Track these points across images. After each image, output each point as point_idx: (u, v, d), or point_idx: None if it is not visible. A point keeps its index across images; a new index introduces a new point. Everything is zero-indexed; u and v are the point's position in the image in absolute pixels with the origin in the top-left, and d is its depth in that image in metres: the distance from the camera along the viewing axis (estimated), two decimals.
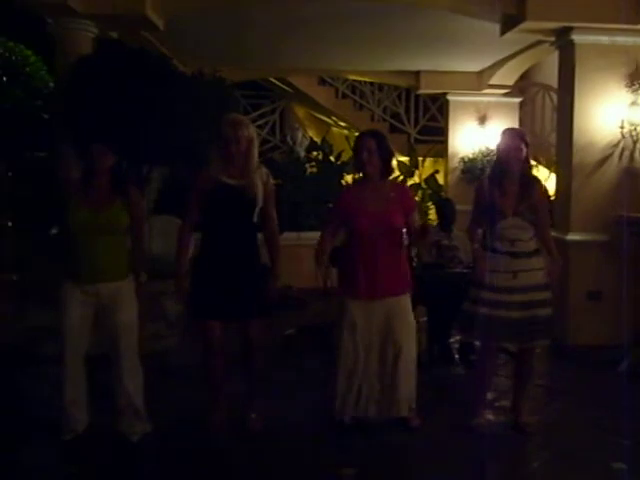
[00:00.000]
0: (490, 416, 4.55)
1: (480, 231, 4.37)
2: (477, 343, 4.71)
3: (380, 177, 4.23)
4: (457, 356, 5.96)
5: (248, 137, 4.05)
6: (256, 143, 4.12)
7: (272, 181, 4.21)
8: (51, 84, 6.68)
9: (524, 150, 4.18)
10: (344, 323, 4.22)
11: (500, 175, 4.25)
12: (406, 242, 4.42)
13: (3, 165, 6.84)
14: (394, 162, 4.48)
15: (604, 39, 6.03)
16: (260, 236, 4.23)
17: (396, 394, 4.23)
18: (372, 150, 4.15)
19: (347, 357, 4.22)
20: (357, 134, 4.60)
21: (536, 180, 4.34)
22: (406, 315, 4.26)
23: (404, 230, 4.26)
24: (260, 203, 4.07)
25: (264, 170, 4.16)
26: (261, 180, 4.09)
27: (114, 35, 6.56)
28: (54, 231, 5.86)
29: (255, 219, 4.08)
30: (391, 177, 4.45)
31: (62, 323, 3.97)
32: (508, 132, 4.30)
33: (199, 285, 4.12)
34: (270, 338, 4.36)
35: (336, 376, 4.27)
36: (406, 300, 4.28)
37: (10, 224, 6.44)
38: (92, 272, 3.93)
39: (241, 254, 4.10)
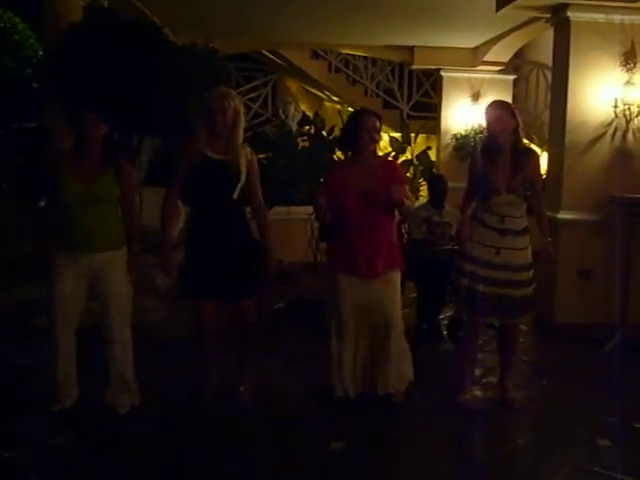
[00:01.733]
0: (477, 392, 4.58)
1: (473, 204, 4.34)
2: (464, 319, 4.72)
3: (373, 155, 4.25)
4: (446, 332, 5.99)
5: (235, 109, 3.98)
6: (243, 117, 4.05)
7: (255, 159, 4.15)
8: (40, 53, 6.58)
9: (509, 121, 4.10)
10: (335, 299, 4.23)
11: (490, 148, 4.22)
12: (397, 219, 4.42)
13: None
14: (386, 138, 4.48)
15: (600, 17, 5.96)
16: (249, 210, 4.20)
17: (387, 370, 4.26)
18: (378, 130, 4.16)
19: (339, 333, 4.24)
20: (353, 112, 4.55)
21: (531, 152, 4.30)
22: (395, 292, 4.27)
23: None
24: (243, 180, 4.01)
25: (248, 149, 4.11)
26: (245, 158, 4.03)
27: (104, 3, 6.46)
28: (42, 203, 5.80)
29: (236, 196, 4.00)
30: (381, 154, 4.44)
31: (52, 295, 3.92)
32: (491, 104, 4.26)
33: (190, 264, 4.09)
34: (260, 313, 4.37)
35: (329, 352, 4.29)
36: (396, 277, 4.28)
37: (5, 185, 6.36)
38: (85, 242, 3.89)
39: (228, 230, 4.05)
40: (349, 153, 4.31)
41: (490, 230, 4.16)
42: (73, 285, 3.93)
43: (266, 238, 4.16)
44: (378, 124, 4.16)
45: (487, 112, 4.20)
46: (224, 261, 4.01)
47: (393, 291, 4.25)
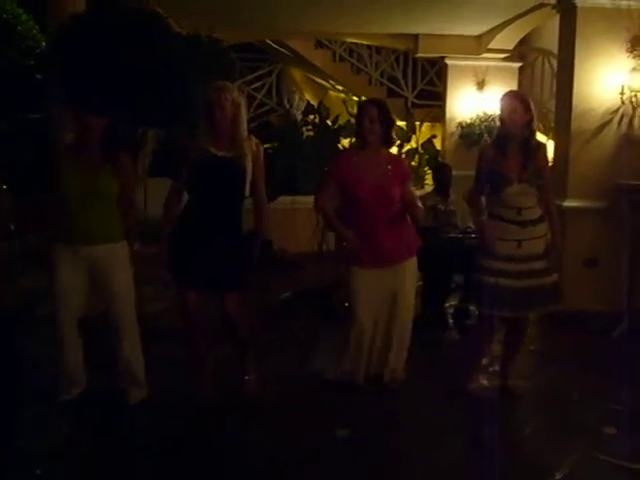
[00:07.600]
0: (484, 381, 4.57)
1: (483, 199, 4.31)
2: (472, 308, 4.70)
3: (380, 146, 4.21)
4: (451, 320, 5.98)
5: (233, 102, 3.91)
6: (244, 110, 3.99)
7: (262, 150, 4.07)
8: (44, 43, 6.57)
9: (522, 113, 4.07)
10: (351, 292, 4.23)
11: (502, 139, 4.19)
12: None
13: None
14: None
15: (607, 2, 5.91)
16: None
17: (398, 356, 4.32)
18: (374, 119, 4.12)
19: (355, 325, 4.22)
20: (357, 100, 4.56)
21: (541, 145, 4.28)
22: (413, 279, 4.36)
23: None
24: (250, 175, 3.94)
25: (254, 140, 4.04)
26: (250, 151, 3.96)
27: None
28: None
29: (247, 192, 3.96)
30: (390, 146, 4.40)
31: (54, 285, 3.96)
32: (506, 94, 4.23)
33: (178, 253, 4.05)
34: (255, 306, 4.34)
35: (344, 342, 4.28)
36: (412, 263, 4.32)
37: (5, 187, 6.36)
38: (84, 233, 3.90)
39: (222, 227, 4.00)
40: (359, 142, 4.32)
41: (509, 224, 4.12)
42: (73, 276, 3.94)
43: (260, 220, 4.09)
44: (376, 112, 4.12)
45: (501, 102, 4.17)
46: (210, 253, 3.96)
47: (409, 281, 4.30)
